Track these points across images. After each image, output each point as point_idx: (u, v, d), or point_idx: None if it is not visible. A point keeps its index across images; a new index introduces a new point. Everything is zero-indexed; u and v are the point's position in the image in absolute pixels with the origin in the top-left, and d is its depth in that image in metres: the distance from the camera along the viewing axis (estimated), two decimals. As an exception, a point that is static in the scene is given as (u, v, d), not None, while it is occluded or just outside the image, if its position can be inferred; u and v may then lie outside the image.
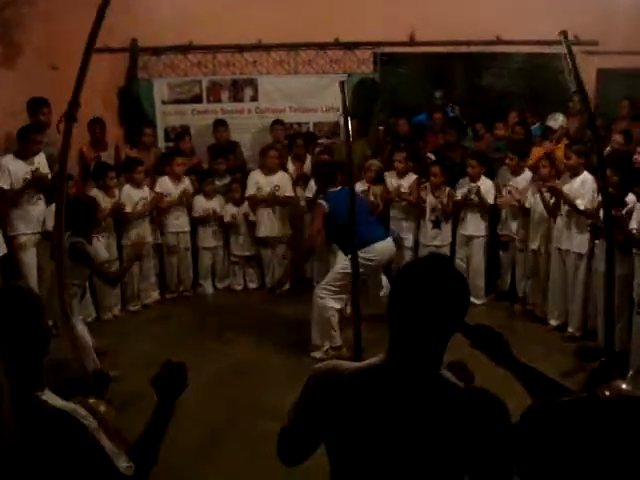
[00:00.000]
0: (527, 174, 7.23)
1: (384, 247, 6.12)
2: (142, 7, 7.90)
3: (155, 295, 7.89)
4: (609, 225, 4.79)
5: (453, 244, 7.67)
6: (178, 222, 7.90)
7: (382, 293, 6.39)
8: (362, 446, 1.90)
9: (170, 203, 7.73)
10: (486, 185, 7.37)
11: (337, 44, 8.81)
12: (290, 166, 8.22)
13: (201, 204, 7.99)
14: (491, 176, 7.56)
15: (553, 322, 6.86)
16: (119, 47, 8.34)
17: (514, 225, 7.32)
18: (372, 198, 7.38)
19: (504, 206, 7.33)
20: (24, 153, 6.56)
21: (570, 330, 6.63)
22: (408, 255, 7.58)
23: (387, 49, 8.87)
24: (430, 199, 7.52)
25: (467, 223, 7.52)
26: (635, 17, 7.79)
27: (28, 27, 7.94)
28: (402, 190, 7.58)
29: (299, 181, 8.11)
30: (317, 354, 5.98)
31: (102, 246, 7.04)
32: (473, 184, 7.35)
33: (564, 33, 3.87)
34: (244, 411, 5.12)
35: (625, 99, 7.87)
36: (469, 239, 7.55)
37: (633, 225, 5.50)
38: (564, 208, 6.50)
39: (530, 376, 2.23)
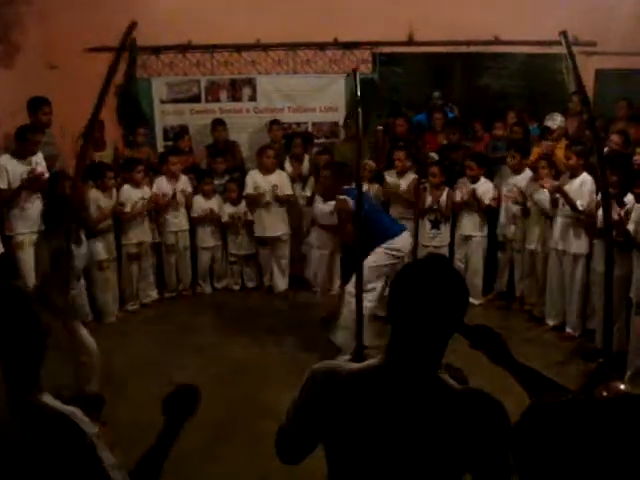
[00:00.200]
0: (528, 173, 7.23)
1: (406, 239, 6.17)
2: (141, 7, 7.88)
3: (154, 294, 7.89)
4: (608, 225, 4.79)
5: (452, 245, 7.69)
6: (177, 221, 7.90)
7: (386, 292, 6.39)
8: (359, 447, 1.91)
9: (165, 204, 7.73)
10: (485, 187, 7.38)
11: (336, 44, 8.81)
12: (288, 166, 8.22)
13: (200, 204, 8.00)
14: (490, 176, 7.57)
15: (551, 322, 6.87)
16: (117, 46, 8.32)
17: (512, 225, 7.33)
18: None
19: (511, 201, 7.31)
20: (21, 153, 6.56)
21: (568, 330, 6.65)
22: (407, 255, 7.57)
23: (386, 49, 8.87)
24: (429, 199, 7.53)
25: (465, 223, 7.54)
26: (633, 18, 7.80)
27: (26, 26, 7.95)
28: (401, 189, 7.58)
29: (295, 181, 8.12)
30: (346, 357, 5.84)
31: (101, 247, 7.06)
32: (470, 185, 7.37)
33: (564, 33, 3.87)
34: (244, 410, 5.12)
35: (623, 100, 7.88)
36: (467, 239, 7.57)
37: (631, 226, 5.52)
38: (563, 209, 6.52)
39: (528, 376, 2.24)
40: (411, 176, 7.64)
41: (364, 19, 8.26)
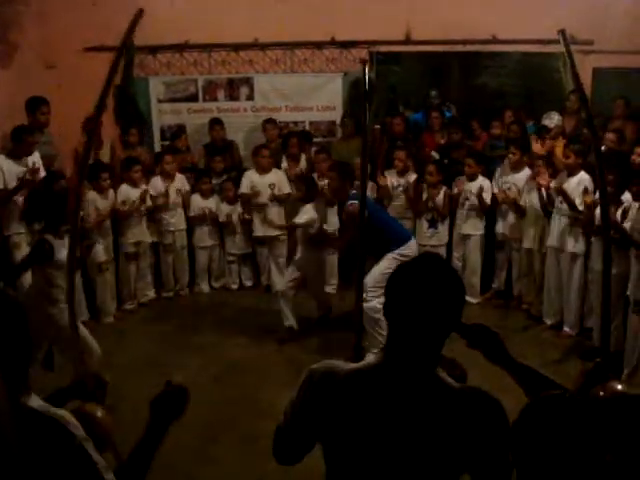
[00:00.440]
0: (527, 171, 7.24)
1: (415, 245, 6.26)
2: (138, 6, 7.88)
3: (151, 294, 7.89)
4: (606, 224, 4.80)
5: (450, 244, 7.69)
6: (174, 221, 7.89)
7: None
8: (358, 446, 1.91)
9: (159, 204, 7.73)
10: (484, 185, 7.39)
11: (333, 43, 8.80)
12: (284, 165, 8.22)
13: (197, 203, 8.00)
14: (488, 175, 7.58)
15: (548, 321, 6.88)
16: (115, 45, 8.31)
17: (510, 224, 7.34)
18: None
19: (502, 200, 7.32)
20: (17, 153, 6.57)
21: (566, 329, 6.66)
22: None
23: (383, 48, 8.86)
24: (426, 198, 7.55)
25: (464, 222, 7.54)
26: (630, 16, 7.81)
27: (24, 26, 7.94)
28: (401, 189, 7.59)
29: (292, 180, 8.12)
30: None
31: (101, 249, 7.06)
32: (472, 183, 7.38)
33: (563, 32, 3.86)
34: (241, 410, 5.12)
35: (620, 98, 7.88)
36: (466, 238, 7.57)
37: (628, 224, 5.53)
38: (560, 207, 6.52)
39: (526, 375, 2.24)
40: (412, 175, 7.65)
41: (361, 18, 8.27)
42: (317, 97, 8.98)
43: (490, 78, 8.92)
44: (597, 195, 5.54)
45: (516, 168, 7.29)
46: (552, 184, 6.64)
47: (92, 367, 4.94)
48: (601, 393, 2.07)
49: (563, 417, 1.77)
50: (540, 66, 8.33)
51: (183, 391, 2.20)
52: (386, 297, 1.93)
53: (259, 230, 8.00)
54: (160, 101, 9.00)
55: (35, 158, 6.66)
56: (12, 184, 6.47)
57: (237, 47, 8.85)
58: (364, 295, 5.68)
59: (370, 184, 7.58)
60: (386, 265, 5.92)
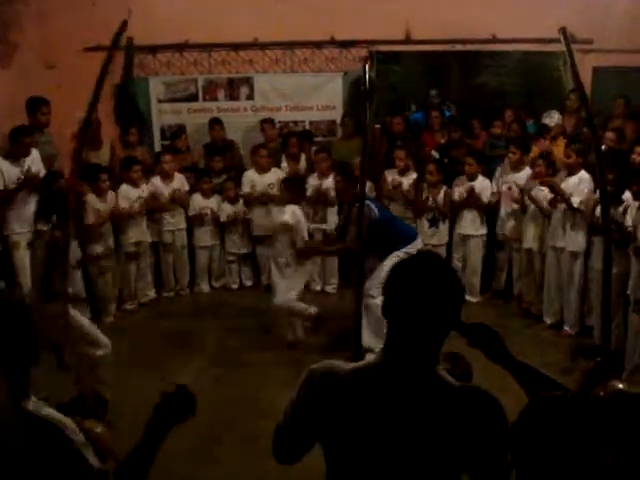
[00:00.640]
0: (527, 171, 7.23)
1: (421, 242, 6.40)
2: (138, 6, 7.88)
3: (152, 294, 7.90)
4: (606, 223, 4.80)
5: (450, 243, 7.69)
6: (174, 220, 7.90)
7: None
8: (358, 445, 1.91)
9: (161, 206, 7.74)
10: (483, 184, 7.39)
11: (333, 42, 8.79)
12: (284, 165, 8.21)
13: (198, 202, 8.00)
14: (488, 174, 7.58)
15: (548, 320, 6.88)
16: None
17: (511, 223, 7.33)
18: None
19: (514, 200, 7.32)
20: (14, 154, 6.57)
21: (566, 328, 6.65)
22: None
23: (383, 47, 8.86)
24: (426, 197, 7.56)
25: (464, 222, 7.54)
26: (630, 15, 7.80)
27: (24, 26, 7.94)
28: (403, 189, 7.59)
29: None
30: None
31: (102, 251, 7.07)
32: (468, 183, 7.38)
33: (563, 30, 3.86)
34: (242, 410, 5.12)
35: (620, 97, 7.88)
36: (466, 238, 7.57)
37: (628, 223, 5.53)
38: (560, 206, 6.52)
39: (526, 374, 2.24)
40: (412, 175, 7.64)
41: (361, 17, 8.26)
42: (317, 97, 8.97)
43: (490, 77, 8.92)
44: (597, 194, 5.54)
45: (516, 167, 7.29)
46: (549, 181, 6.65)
47: (103, 360, 4.97)
48: (602, 393, 2.07)
49: (563, 417, 1.78)
50: (540, 65, 8.33)
51: (190, 397, 2.13)
52: (385, 296, 1.93)
53: (259, 229, 7.99)
54: (160, 101, 9.00)
55: (33, 157, 6.65)
56: (11, 185, 6.49)
57: (237, 47, 8.85)
58: (371, 292, 5.70)
59: (369, 184, 7.57)
60: (392, 263, 5.91)
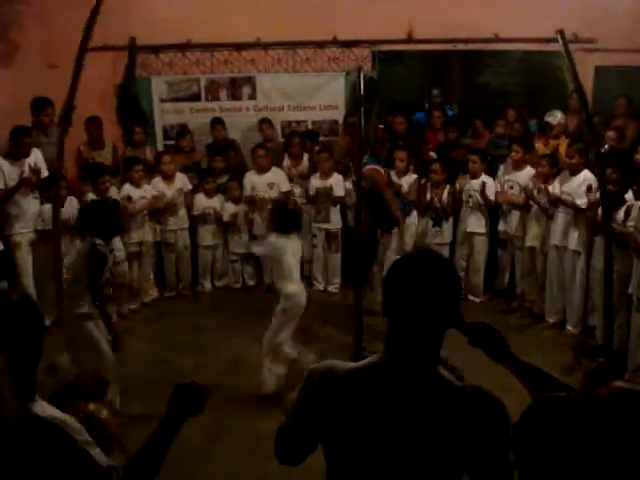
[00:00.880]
0: (529, 170, 7.23)
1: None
2: (141, 6, 7.89)
3: (154, 293, 7.90)
4: (607, 222, 4.80)
5: (453, 243, 7.68)
6: (176, 220, 7.90)
7: None
8: (359, 445, 1.90)
9: (164, 206, 7.74)
10: (487, 182, 7.38)
11: (335, 42, 8.77)
12: (287, 165, 8.21)
13: (201, 202, 8.00)
14: (491, 174, 7.57)
15: (551, 319, 6.88)
16: (118, 45, 8.34)
17: (513, 222, 7.33)
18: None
19: (502, 200, 7.32)
20: (14, 154, 6.59)
21: (568, 327, 6.65)
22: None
23: (385, 47, 8.85)
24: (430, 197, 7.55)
25: (468, 220, 7.53)
26: (632, 15, 7.78)
27: (25, 26, 7.94)
28: (403, 189, 7.59)
29: (294, 179, 8.14)
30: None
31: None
32: (475, 181, 7.38)
33: (561, 32, 3.86)
34: (243, 409, 5.12)
35: (622, 97, 7.87)
36: (470, 236, 7.55)
37: (631, 223, 5.52)
38: (562, 205, 6.52)
39: (529, 373, 2.23)
40: (412, 176, 7.64)
41: (363, 17, 8.24)
42: (319, 96, 8.96)
43: (492, 77, 8.91)
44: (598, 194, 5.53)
45: (519, 166, 7.28)
46: (551, 186, 6.65)
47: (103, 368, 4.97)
48: (604, 393, 2.06)
49: (566, 418, 1.77)
50: (542, 64, 8.31)
51: (202, 391, 2.17)
52: (383, 293, 1.93)
53: (260, 230, 7.99)
54: (162, 101, 8.99)
55: (34, 159, 6.66)
56: (11, 185, 6.51)
57: (239, 46, 8.83)
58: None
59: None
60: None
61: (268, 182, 7.91)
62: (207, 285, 8.26)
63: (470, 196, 7.45)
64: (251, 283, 8.35)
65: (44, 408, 1.89)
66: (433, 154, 8.02)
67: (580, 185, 6.36)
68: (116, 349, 5.06)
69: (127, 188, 7.44)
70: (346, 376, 1.94)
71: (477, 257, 7.60)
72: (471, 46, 8.66)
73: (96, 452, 1.89)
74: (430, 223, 7.59)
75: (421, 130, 8.55)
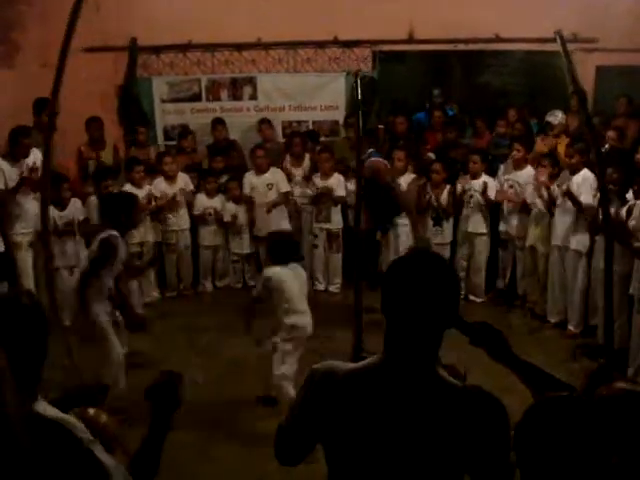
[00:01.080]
0: (529, 170, 7.22)
1: None
2: (141, 6, 7.90)
3: (155, 294, 7.90)
4: (607, 222, 4.80)
5: (454, 243, 7.68)
6: (177, 220, 7.91)
7: None
8: (359, 446, 1.90)
9: (165, 205, 7.75)
10: (488, 184, 7.37)
11: (336, 42, 8.79)
12: (288, 165, 8.22)
13: (202, 202, 8.01)
14: (492, 174, 7.57)
15: (552, 319, 6.87)
16: (118, 46, 8.35)
17: (514, 222, 7.32)
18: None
19: (502, 199, 7.32)
20: (13, 155, 6.60)
21: (570, 327, 6.64)
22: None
23: (386, 47, 8.86)
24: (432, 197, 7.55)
25: (469, 221, 7.52)
26: (632, 14, 7.78)
27: (26, 26, 7.95)
28: (401, 189, 7.59)
29: (293, 179, 8.14)
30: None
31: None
32: (475, 181, 7.37)
33: (559, 33, 3.86)
34: (244, 409, 5.12)
35: (622, 96, 7.87)
36: (471, 236, 7.55)
37: (632, 222, 5.51)
38: (564, 205, 6.51)
39: (530, 373, 2.23)
40: (410, 175, 7.63)
41: (364, 17, 8.25)
42: (320, 96, 8.97)
43: (493, 77, 8.91)
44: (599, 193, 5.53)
45: (519, 166, 7.28)
46: (555, 185, 6.64)
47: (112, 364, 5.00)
48: (605, 394, 2.06)
49: (568, 418, 1.77)
50: (543, 64, 8.31)
51: (175, 377, 2.17)
52: (382, 294, 1.93)
53: (260, 230, 8.00)
54: (163, 101, 9.00)
55: (33, 159, 6.66)
56: (11, 185, 6.52)
57: (240, 47, 8.84)
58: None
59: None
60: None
61: (267, 183, 7.92)
62: (208, 285, 8.26)
63: (471, 196, 7.44)
64: (252, 283, 8.31)
65: (46, 408, 1.89)
66: (432, 155, 8.02)
67: (580, 185, 6.35)
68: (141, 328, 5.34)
69: (128, 188, 7.44)
70: (346, 377, 1.94)
71: (478, 257, 7.59)
72: (472, 46, 8.67)
73: (100, 451, 1.90)
74: (430, 223, 7.59)
75: (422, 130, 8.55)
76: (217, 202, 8.05)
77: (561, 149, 7.30)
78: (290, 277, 4.96)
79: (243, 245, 8.21)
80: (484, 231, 7.53)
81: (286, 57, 8.95)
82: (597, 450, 1.73)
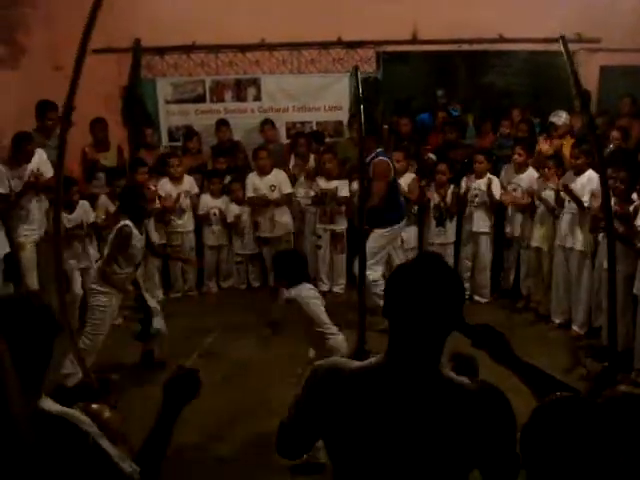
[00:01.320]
0: (531, 172, 7.22)
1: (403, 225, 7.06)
2: (145, 7, 7.91)
3: (159, 295, 7.90)
4: (610, 222, 4.79)
5: (458, 243, 7.68)
6: (182, 222, 7.92)
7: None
8: (363, 445, 1.91)
9: (170, 206, 7.76)
10: (493, 182, 7.37)
11: (340, 43, 8.79)
12: (293, 166, 8.23)
13: (206, 202, 8.02)
14: (496, 174, 7.56)
15: (557, 320, 6.86)
16: (123, 47, 8.36)
17: (518, 223, 7.32)
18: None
19: (507, 202, 7.32)
20: (16, 160, 6.62)
21: (574, 328, 6.63)
22: (411, 255, 7.53)
23: (390, 48, 8.86)
24: (434, 197, 7.54)
25: (473, 220, 7.52)
26: (637, 14, 7.77)
27: (31, 28, 7.98)
28: (401, 189, 7.59)
29: (297, 180, 8.15)
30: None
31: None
32: (480, 180, 7.37)
33: (562, 38, 3.86)
34: (249, 410, 5.13)
35: (626, 96, 7.86)
36: (476, 236, 7.55)
37: (638, 222, 5.51)
38: (569, 205, 6.50)
39: (532, 375, 2.23)
40: (410, 176, 7.62)
41: (368, 18, 8.24)
42: (324, 97, 8.98)
43: (497, 77, 8.92)
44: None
45: (521, 169, 7.28)
46: (559, 183, 6.63)
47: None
48: (610, 395, 2.06)
49: (574, 420, 1.77)
50: (547, 65, 8.29)
51: (194, 374, 2.21)
52: (385, 297, 1.94)
53: (263, 231, 8.01)
54: (168, 102, 9.02)
55: (36, 162, 6.67)
56: (16, 190, 6.55)
57: (244, 48, 8.85)
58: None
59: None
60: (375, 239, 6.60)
61: (270, 184, 7.93)
62: (213, 286, 8.27)
63: (475, 195, 7.44)
64: (256, 284, 8.36)
65: (50, 404, 1.91)
66: (432, 155, 8.02)
67: (584, 186, 6.35)
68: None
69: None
70: (351, 375, 1.95)
71: (482, 257, 7.59)
72: (476, 47, 8.66)
73: (107, 444, 1.92)
74: (433, 223, 7.59)
75: (425, 131, 8.55)
76: (221, 202, 8.06)
77: (566, 150, 7.29)
78: (307, 295, 4.73)
79: (246, 246, 8.21)
80: (488, 231, 7.52)
81: (290, 58, 8.95)
82: (604, 451, 1.73)
